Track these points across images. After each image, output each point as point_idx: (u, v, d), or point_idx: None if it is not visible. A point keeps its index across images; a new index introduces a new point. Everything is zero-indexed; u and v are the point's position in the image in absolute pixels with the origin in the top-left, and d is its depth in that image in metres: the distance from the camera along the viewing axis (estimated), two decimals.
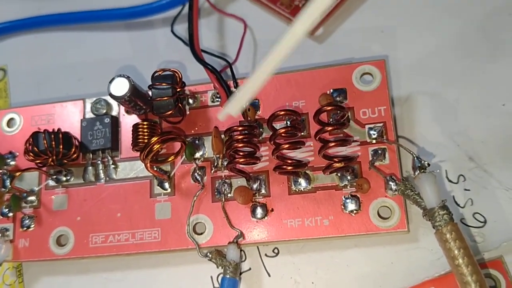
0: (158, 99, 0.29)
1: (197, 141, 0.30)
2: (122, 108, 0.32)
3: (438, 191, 0.25)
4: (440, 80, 0.30)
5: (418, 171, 0.26)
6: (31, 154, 0.30)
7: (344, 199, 0.27)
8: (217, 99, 0.31)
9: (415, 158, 0.26)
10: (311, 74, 0.30)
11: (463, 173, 0.29)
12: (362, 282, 0.28)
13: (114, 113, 0.32)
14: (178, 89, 0.29)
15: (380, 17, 0.34)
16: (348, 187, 0.28)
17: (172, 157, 0.29)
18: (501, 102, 0.29)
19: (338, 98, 0.29)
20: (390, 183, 0.26)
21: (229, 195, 0.29)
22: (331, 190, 0.28)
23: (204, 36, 0.36)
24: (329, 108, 0.27)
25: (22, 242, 0.31)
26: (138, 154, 0.30)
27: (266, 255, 0.29)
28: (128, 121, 0.32)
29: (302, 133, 0.29)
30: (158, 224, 0.29)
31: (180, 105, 0.30)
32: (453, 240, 0.24)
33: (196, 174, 0.30)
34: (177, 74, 0.29)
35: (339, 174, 0.28)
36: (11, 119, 0.33)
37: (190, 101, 0.31)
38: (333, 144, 0.27)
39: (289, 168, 0.27)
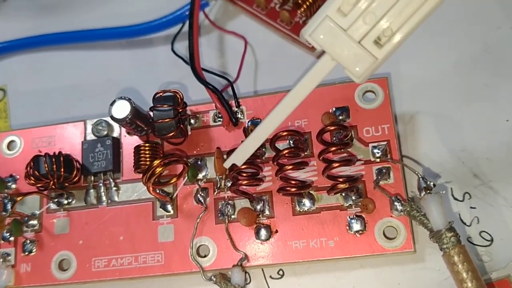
0: (160, 121, 0.28)
1: (199, 162, 0.30)
2: (123, 129, 0.31)
3: (444, 212, 0.24)
4: (443, 97, 0.30)
5: (424, 192, 0.25)
6: (32, 178, 0.29)
7: (349, 219, 0.27)
8: (219, 119, 0.30)
9: (421, 178, 0.26)
10: (312, 92, 0.30)
11: (469, 190, 0.28)
12: None
13: (115, 134, 0.32)
14: (180, 110, 0.29)
15: None
16: (353, 207, 0.27)
17: (175, 179, 0.29)
18: (505, 118, 0.29)
19: (340, 117, 0.29)
20: (396, 203, 0.26)
21: (232, 216, 0.29)
22: (336, 211, 0.28)
23: (204, 54, 0.36)
24: (332, 128, 0.27)
25: (24, 267, 0.30)
26: (140, 176, 0.29)
27: (271, 277, 0.29)
28: (130, 142, 0.31)
29: (305, 153, 0.28)
30: (161, 247, 0.29)
31: (182, 126, 0.29)
32: (461, 262, 0.23)
33: (199, 195, 0.29)
34: (178, 95, 0.29)
35: (343, 194, 0.27)
36: (11, 142, 0.33)
37: (192, 121, 0.31)
38: (337, 164, 0.26)
39: (293, 189, 0.27)
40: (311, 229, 0.27)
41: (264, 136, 0.24)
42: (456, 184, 0.28)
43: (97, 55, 0.39)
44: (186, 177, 0.29)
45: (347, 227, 0.27)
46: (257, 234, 0.28)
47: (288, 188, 0.27)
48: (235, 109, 0.30)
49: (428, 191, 0.25)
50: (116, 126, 0.32)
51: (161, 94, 0.29)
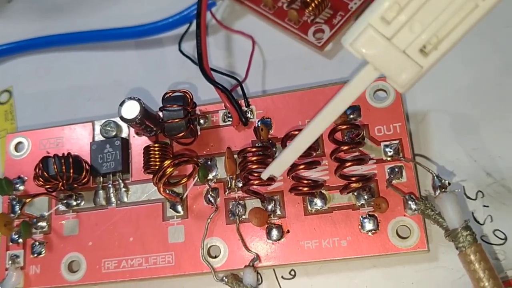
0: (170, 121, 0.28)
1: (209, 162, 0.30)
2: (132, 129, 0.31)
3: (460, 211, 0.24)
4: (454, 96, 0.30)
5: (439, 191, 0.25)
6: (41, 179, 0.29)
7: (361, 218, 0.27)
8: (229, 119, 0.30)
9: (435, 177, 0.25)
10: (323, 91, 0.30)
11: (482, 189, 0.28)
12: None
13: (124, 135, 0.31)
14: (190, 110, 0.29)
15: None
16: (365, 206, 0.27)
17: (185, 179, 0.28)
18: None
19: (352, 116, 0.29)
20: (410, 202, 0.26)
21: (243, 216, 0.28)
22: (348, 210, 0.27)
23: (212, 53, 0.35)
24: (344, 126, 0.27)
25: (33, 269, 0.30)
26: (149, 176, 0.29)
27: (282, 277, 0.28)
28: (139, 142, 0.31)
29: (317, 152, 0.28)
30: (172, 248, 0.29)
31: (191, 126, 0.29)
32: (478, 261, 0.23)
33: (209, 195, 0.29)
34: (187, 95, 0.29)
35: (355, 194, 0.27)
36: (19, 143, 0.33)
37: (201, 121, 0.30)
38: (350, 163, 0.26)
39: (305, 189, 0.26)
40: (323, 228, 0.27)
41: (303, 147, 0.23)
42: (468, 182, 0.28)
43: (103, 55, 0.38)
44: (197, 178, 0.28)
45: (360, 227, 0.27)
46: (269, 234, 0.28)
47: (300, 188, 0.26)
48: (244, 108, 0.30)
49: (443, 190, 0.25)
50: (124, 126, 0.31)
51: (170, 94, 0.29)
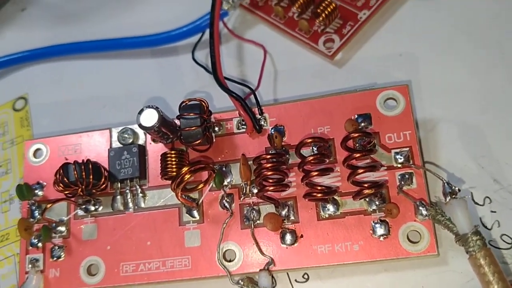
0: (187, 129, 0.29)
1: (224, 168, 0.30)
2: (149, 136, 0.32)
3: (470, 216, 0.25)
4: (462, 103, 0.31)
5: (449, 197, 0.26)
6: (61, 185, 0.30)
7: (373, 224, 0.28)
8: (243, 126, 0.31)
9: (446, 184, 0.26)
10: (335, 100, 0.31)
11: (489, 195, 0.29)
12: None
13: (140, 141, 0.32)
14: (206, 118, 0.29)
15: (398, 41, 0.34)
16: (377, 212, 0.28)
17: (201, 185, 0.29)
18: None
19: (363, 124, 0.29)
20: (420, 208, 0.27)
21: (258, 221, 0.29)
22: (360, 215, 0.28)
23: (224, 62, 0.36)
24: (356, 134, 0.27)
25: (53, 272, 0.31)
26: (165, 182, 0.30)
27: (296, 280, 0.29)
28: (155, 149, 0.32)
29: (329, 159, 0.29)
30: (188, 251, 0.29)
31: (207, 133, 0.30)
32: (487, 265, 0.24)
33: (224, 201, 0.30)
34: (203, 103, 0.30)
35: (367, 199, 0.28)
36: (37, 150, 0.33)
37: (216, 128, 0.31)
38: (362, 170, 0.27)
39: (319, 195, 0.27)
40: (336, 233, 0.28)
41: None
42: (477, 188, 0.29)
43: (118, 63, 0.39)
44: (213, 183, 0.29)
45: (371, 232, 0.28)
46: (283, 238, 0.28)
47: (314, 194, 0.27)
48: (258, 116, 0.31)
49: (454, 196, 0.26)
50: (141, 133, 0.32)
51: (187, 102, 0.30)
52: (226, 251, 0.29)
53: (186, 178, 0.28)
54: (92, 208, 0.31)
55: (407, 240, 0.27)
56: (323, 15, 0.34)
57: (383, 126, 0.29)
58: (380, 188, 0.27)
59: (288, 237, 0.28)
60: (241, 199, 0.29)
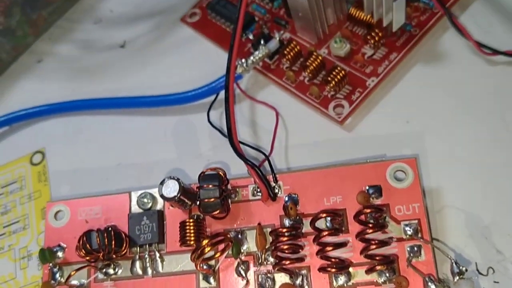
0: (206, 200, 0.30)
1: (239, 236, 0.32)
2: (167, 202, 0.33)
3: None
4: (466, 174, 0.32)
5: (457, 277, 0.27)
6: (83, 251, 0.31)
7: None
8: (258, 193, 0.32)
9: (453, 263, 0.27)
10: (347, 170, 0.32)
11: (492, 265, 0.30)
12: None
13: (159, 206, 0.33)
14: (224, 188, 0.31)
15: (405, 108, 0.35)
16: (387, 283, 0.29)
17: (219, 253, 0.30)
18: None
19: (373, 195, 0.31)
20: (429, 284, 0.28)
21: None
22: (371, 286, 0.29)
23: (237, 120, 0.37)
24: (369, 210, 0.29)
25: None
26: (183, 248, 0.31)
27: None
28: (173, 214, 0.33)
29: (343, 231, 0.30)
30: None
31: (225, 202, 0.31)
32: None
33: (240, 268, 0.31)
34: (221, 174, 0.31)
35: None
36: (58, 212, 0.34)
37: (232, 195, 0.32)
38: (375, 246, 0.28)
39: (333, 270, 0.29)
40: None
41: None
42: (480, 258, 0.30)
43: (134, 120, 0.41)
44: (230, 253, 0.30)
45: None
46: None
47: (329, 269, 0.29)
48: (273, 184, 0.32)
49: (461, 276, 0.27)
50: (160, 198, 0.33)
51: (206, 172, 0.31)
52: None
53: (206, 251, 0.29)
54: (112, 271, 0.32)
55: None
56: (333, 82, 0.36)
57: (392, 198, 0.31)
58: (391, 264, 0.28)
59: None
60: (258, 268, 0.30)
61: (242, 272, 0.31)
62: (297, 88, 0.38)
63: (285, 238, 0.29)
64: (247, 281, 0.30)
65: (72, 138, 0.41)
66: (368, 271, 0.28)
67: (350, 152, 0.35)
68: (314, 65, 0.37)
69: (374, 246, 0.28)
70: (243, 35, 0.40)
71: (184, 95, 0.39)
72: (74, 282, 0.32)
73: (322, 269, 0.29)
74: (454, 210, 0.31)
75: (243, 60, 0.37)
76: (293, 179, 0.32)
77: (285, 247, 0.29)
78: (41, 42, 0.47)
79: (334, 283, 0.30)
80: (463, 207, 0.31)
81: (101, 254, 0.31)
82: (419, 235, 0.29)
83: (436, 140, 0.34)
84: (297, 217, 0.31)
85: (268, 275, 0.30)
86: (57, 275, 0.33)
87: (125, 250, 0.31)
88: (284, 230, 0.29)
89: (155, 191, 0.33)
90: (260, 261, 0.31)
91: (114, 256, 0.32)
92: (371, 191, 0.31)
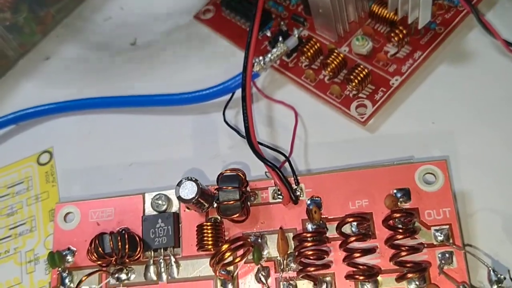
0: (225, 202, 0.28)
1: (259, 240, 0.30)
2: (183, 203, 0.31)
3: None
4: (498, 173, 0.30)
5: (495, 286, 0.25)
6: (95, 255, 0.29)
7: None
8: (279, 196, 0.31)
9: (491, 271, 0.26)
10: (372, 172, 0.30)
11: None
12: None
13: (174, 208, 0.32)
14: (244, 190, 0.29)
15: (430, 108, 0.34)
16: None
17: (238, 259, 0.29)
18: None
19: (401, 199, 0.29)
20: None
21: None
22: None
23: (254, 121, 0.36)
24: (399, 215, 0.27)
25: None
26: (200, 253, 0.30)
27: None
28: (189, 216, 0.31)
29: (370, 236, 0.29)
30: None
31: (245, 205, 0.29)
32: None
33: (260, 274, 0.29)
34: (241, 175, 0.29)
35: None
36: (68, 213, 0.33)
37: (252, 198, 0.31)
38: (405, 253, 0.26)
39: (361, 277, 0.27)
40: None
41: None
42: None
43: (145, 119, 0.39)
44: (251, 258, 0.29)
45: None
46: None
47: (356, 277, 0.27)
48: (294, 186, 0.30)
49: (500, 285, 0.25)
50: (175, 200, 0.32)
51: (225, 173, 0.29)
52: None
53: (226, 256, 0.27)
54: (124, 276, 0.30)
55: None
56: (356, 81, 0.34)
57: (422, 202, 0.29)
58: (423, 273, 0.27)
59: None
60: (280, 275, 0.29)
61: (263, 279, 0.29)
62: (317, 87, 0.36)
63: (310, 244, 0.27)
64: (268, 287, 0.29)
65: (82, 137, 0.39)
66: (399, 279, 0.27)
67: (373, 154, 0.33)
68: (335, 63, 0.35)
69: (404, 253, 0.26)
70: (260, 32, 0.38)
71: (198, 93, 0.37)
72: (85, 287, 0.30)
73: (349, 277, 0.27)
74: (487, 213, 0.29)
75: (260, 58, 0.36)
76: (316, 181, 0.31)
77: (310, 252, 0.27)
78: (48, 39, 0.45)
79: None
80: (497, 210, 0.29)
81: (114, 258, 0.29)
82: (451, 241, 0.28)
83: (465, 141, 0.32)
84: (321, 221, 0.29)
85: (290, 282, 0.29)
86: (67, 280, 0.31)
87: (139, 254, 0.30)
88: (309, 235, 0.28)
89: (170, 193, 0.32)
90: (282, 267, 0.29)
91: (127, 260, 0.30)
92: (399, 194, 0.29)
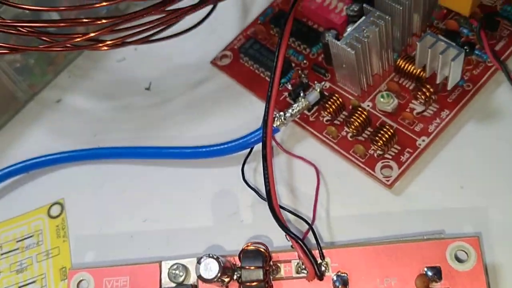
0: (248, 284, 0.27)
1: None
2: None
3: None
4: None
5: None
6: None
7: None
8: (303, 271, 0.29)
9: None
10: (402, 247, 0.29)
11: None
12: None
13: (192, 280, 0.30)
14: (267, 269, 0.27)
15: (458, 171, 0.32)
16: None
17: None
18: None
19: (433, 278, 0.27)
20: None
21: None
22: None
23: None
24: None
25: None
26: None
27: None
28: None
29: None
30: None
31: (268, 282, 0.28)
32: None
33: None
34: (265, 252, 0.28)
35: None
36: (81, 280, 0.31)
37: (274, 272, 0.29)
38: None
39: None
40: None
41: None
42: None
43: (159, 171, 0.37)
44: None
45: None
46: None
47: None
48: (319, 260, 0.29)
49: None
50: (193, 270, 0.30)
51: (247, 249, 0.28)
52: None
53: None
54: None
55: None
56: (381, 141, 0.33)
57: (453, 281, 0.27)
58: None
59: None
60: None
61: None
62: (339, 144, 0.34)
63: None
64: None
65: (94, 188, 0.37)
66: None
67: (400, 221, 0.31)
68: (359, 121, 0.34)
69: None
70: (280, 84, 0.37)
71: (215, 148, 0.35)
72: None
73: None
74: None
75: (281, 113, 0.34)
76: (342, 255, 0.29)
77: None
78: (60, 80, 0.43)
79: None
80: None
81: None
82: None
83: (496, 209, 0.30)
84: None
85: None
86: None
87: None
88: None
89: (187, 262, 0.30)
90: None
91: None
92: (430, 273, 0.28)
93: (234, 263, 0.29)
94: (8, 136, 0.41)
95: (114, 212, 0.36)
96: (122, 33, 0.31)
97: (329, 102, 0.35)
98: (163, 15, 0.31)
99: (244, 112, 0.38)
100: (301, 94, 0.35)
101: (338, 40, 0.33)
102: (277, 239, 0.31)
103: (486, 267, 0.28)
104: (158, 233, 0.35)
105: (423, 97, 0.33)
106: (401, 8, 0.33)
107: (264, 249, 0.28)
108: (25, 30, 0.29)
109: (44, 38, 0.30)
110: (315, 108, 0.36)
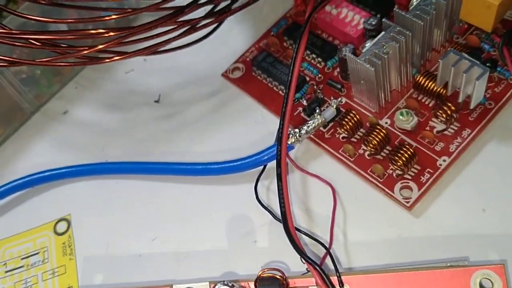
0: None
1: None
2: None
3: None
4: None
5: None
6: None
7: None
8: None
9: None
10: (425, 275, 0.27)
11: None
12: None
13: None
14: None
15: (480, 192, 0.31)
16: None
17: None
18: None
19: None
20: None
21: None
22: None
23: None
24: None
25: None
26: None
27: None
28: None
29: None
30: None
31: None
32: None
33: None
34: (282, 279, 0.26)
35: None
36: None
37: None
38: None
39: None
40: None
41: None
42: None
43: (170, 188, 0.36)
44: None
45: None
46: None
47: None
48: (337, 287, 0.27)
49: None
50: None
51: (262, 275, 0.26)
52: None
53: None
54: None
55: None
56: (401, 161, 0.31)
57: None
58: None
59: None
60: None
61: None
62: (357, 163, 0.33)
63: None
64: None
65: (101, 204, 0.36)
66: None
67: (421, 245, 0.30)
68: (377, 139, 0.32)
69: None
70: (294, 99, 0.35)
71: (228, 165, 0.34)
72: None
73: None
74: None
75: (296, 130, 0.33)
76: (361, 282, 0.28)
77: None
78: (66, 91, 0.42)
79: None
80: None
81: None
82: None
83: None
84: None
85: None
86: None
87: None
88: None
89: (200, 286, 0.28)
90: None
91: None
92: None
93: None
94: (13, 148, 0.40)
95: (122, 229, 0.35)
96: (131, 46, 0.30)
97: (346, 119, 0.33)
98: (175, 26, 0.30)
99: (256, 126, 0.37)
100: (317, 110, 0.33)
101: (356, 55, 0.32)
102: (293, 263, 0.30)
103: None
104: (167, 253, 0.33)
105: (444, 115, 0.32)
106: (422, 23, 0.31)
107: (280, 276, 0.26)
108: (36, 43, 0.28)
109: (57, 51, 0.29)
110: (330, 125, 0.34)
